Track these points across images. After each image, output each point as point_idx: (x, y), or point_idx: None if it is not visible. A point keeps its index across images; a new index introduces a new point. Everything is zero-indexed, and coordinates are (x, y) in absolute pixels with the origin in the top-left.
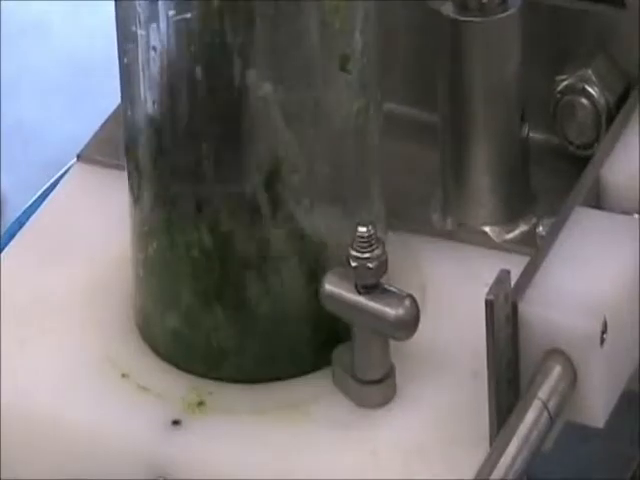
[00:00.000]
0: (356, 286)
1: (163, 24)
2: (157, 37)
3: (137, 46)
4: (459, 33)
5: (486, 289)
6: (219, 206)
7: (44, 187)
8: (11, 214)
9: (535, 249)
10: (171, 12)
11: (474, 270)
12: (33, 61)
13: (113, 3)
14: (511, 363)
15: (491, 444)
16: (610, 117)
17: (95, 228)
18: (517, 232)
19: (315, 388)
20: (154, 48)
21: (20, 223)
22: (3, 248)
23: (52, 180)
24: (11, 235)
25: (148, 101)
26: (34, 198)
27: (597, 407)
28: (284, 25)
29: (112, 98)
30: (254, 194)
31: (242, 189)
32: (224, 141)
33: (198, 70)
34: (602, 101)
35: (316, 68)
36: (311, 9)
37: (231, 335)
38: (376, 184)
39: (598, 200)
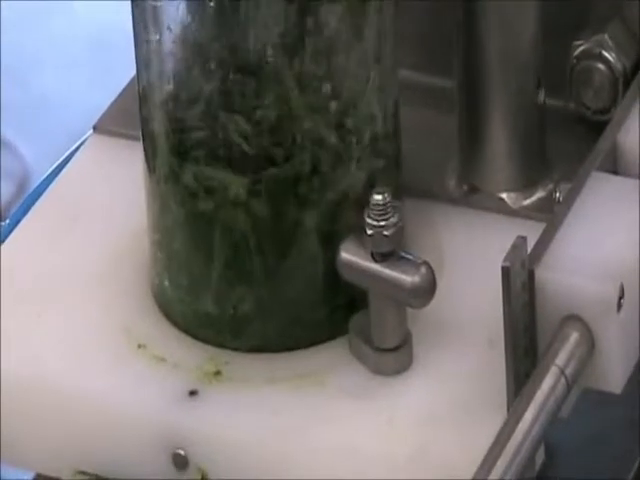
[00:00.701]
0: (372, 254)
1: None
2: (172, 11)
3: (152, 19)
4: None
5: (503, 256)
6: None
7: (60, 159)
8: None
9: (552, 215)
10: None
11: (491, 237)
12: (56, 35)
13: None
14: (528, 330)
15: (508, 411)
16: (627, 82)
17: (111, 199)
18: (534, 198)
19: (332, 357)
20: (169, 23)
21: (38, 193)
22: (21, 219)
23: (68, 152)
24: (28, 207)
25: (163, 73)
26: (51, 169)
27: (615, 373)
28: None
29: (133, 71)
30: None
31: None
32: (240, 113)
33: (214, 44)
34: (618, 66)
35: (332, 39)
36: None
37: (247, 305)
38: (392, 150)
39: (615, 165)
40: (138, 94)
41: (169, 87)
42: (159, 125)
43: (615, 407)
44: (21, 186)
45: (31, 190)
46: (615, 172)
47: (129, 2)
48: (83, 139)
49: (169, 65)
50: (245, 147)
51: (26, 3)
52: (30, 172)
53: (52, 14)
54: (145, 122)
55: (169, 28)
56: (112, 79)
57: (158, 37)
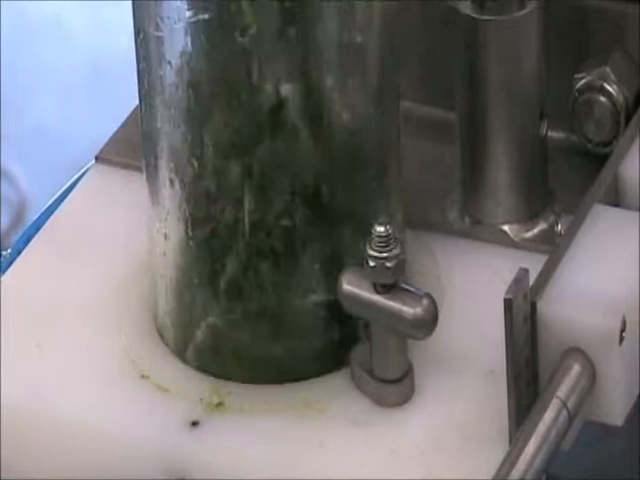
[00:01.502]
0: (374, 285)
1: (180, 25)
2: (174, 39)
3: (154, 48)
4: (477, 31)
5: (505, 288)
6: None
7: (62, 189)
8: (33, 216)
9: (554, 247)
10: (188, 13)
11: (492, 269)
12: (53, 62)
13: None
14: (530, 362)
15: (510, 443)
16: (628, 114)
17: (114, 229)
18: (536, 230)
19: (334, 388)
20: (171, 50)
21: (38, 225)
22: (22, 249)
23: (70, 182)
24: (29, 237)
25: (165, 103)
26: (52, 200)
27: (616, 405)
28: (303, 24)
29: (132, 99)
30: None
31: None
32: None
33: (216, 70)
34: (620, 99)
35: (333, 67)
36: (329, 10)
37: (249, 336)
38: (394, 183)
39: (617, 197)
40: (140, 127)
41: (172, 116)
42: (161, 157)
43: (617, 439)
44: (18, 215)
45: (30, 219)
46: (617, 204)
47: (127, 29)
48: (85, 169)
49: (171, 100)
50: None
51: (22, 31)
52: (27, 201)
53: (49, 42)
54: (147, 153)
55: (169, 63)
56: (110, 107)
57: (158, 64)
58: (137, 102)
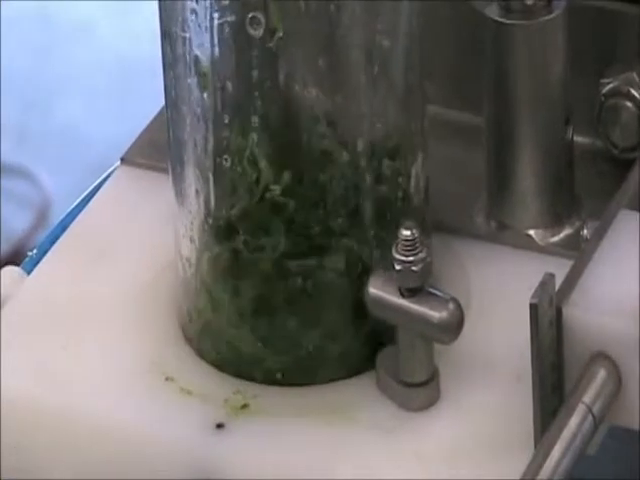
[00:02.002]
0: (400, 289)
1: (206, 27)
2: (200, 40)
3: (181, 49)
4: (504, 36)
5: (530, 292)
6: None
7: (87, 190)
8: (57, 216)
9: (579, 252)
10: (215, 14)
11: (518, 273)
12: (80, 63)
13: (157, 6)
14: (555, 367)
15: (535, 448)
16: None
17: (139, 231)
18: (562, 235)
19: (359, 391)
20: (197, 51)
21: (63, 226)
22: (47, 251)
23: (95, 183)
24: (54, 238)
25: (192, 103)
26: (77, 201)
27: None
28: (330, 28)
29: (158, 100)
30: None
31: None
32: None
33: (242, 72)
34: None
35: (359, 72)
36: (356, 13)
37: (276, 338)
38: (421, 185)
39: None
40: (167, 128)
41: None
42: (188, 163)
43: None
44: (41, 215)
45: (53, 220)
46: None
47: (153, 34)
48: (110, 170)
49: (197, 103)
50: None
51: (49, 32)
52: (50, 202)
53: (75, 43)
54: (174, 159)
55: (196, 67)
56: (135, 110)
57: (185, 64)
58: (162, 104)
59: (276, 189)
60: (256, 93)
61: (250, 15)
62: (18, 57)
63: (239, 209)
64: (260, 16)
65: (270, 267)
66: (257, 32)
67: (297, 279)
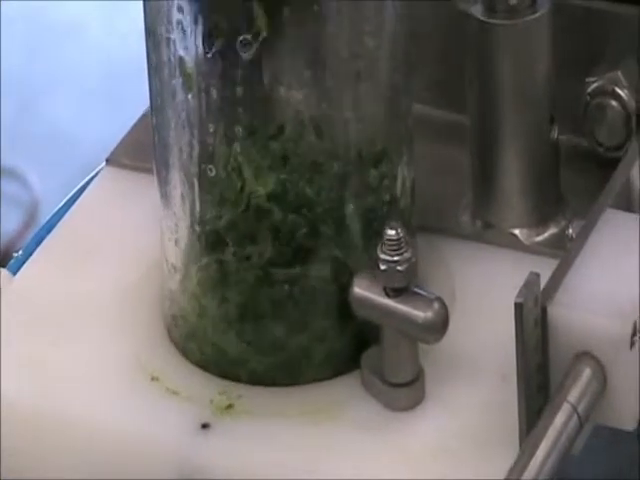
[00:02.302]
0: (385, 289)
1: (191, 31)
2: (184, 42)
3: (165, 50)
4: (488, 35)
5: (515, 292)
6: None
7: (73, 191)
8: (46, 217)
9: (565, 252)
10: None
11: (503, 273)
12: (68, 64)
13: None
14: (541, 366)
15: (520, 447)
16: None
17: (124, 231)
18: (547, 234)
19: (344, 391)
20: (181, 53)
21: (49, 227)
22: (33, 252)
23: (81, 184)
24: (40, 239)
25: (177, 106)
26: (63, 202)
27: (628, 410)
28: (314, 29)
29: (145, 103)
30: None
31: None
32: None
33: (228, 74)
34: (632, 103)
35: (344, 73)
36: (340, 14)
37: (260, 339)
38: (406, 185)
39: (628, 202)
40: (152, 131)
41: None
42: (173, 166)
43: (628, 444)
44: (30, 216)
45: (42, 220)
46: (628, 209)
47: (142, 34)
48: (96, 171)
49: (181, 105)
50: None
51: (39, 33)
52: (39, 202)
53: (63, 44)
54: (159, 157)
55: (180, 68)
56: (123, 110)
57: (169, 65)
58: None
59: (261, 195)
60: (240, 100)
61: (241, 38)
62: (7, 57)
63: (227, 220)
64: (250, 38)
65: (256, 275)
66: (247, 54)
67: (283, 286)
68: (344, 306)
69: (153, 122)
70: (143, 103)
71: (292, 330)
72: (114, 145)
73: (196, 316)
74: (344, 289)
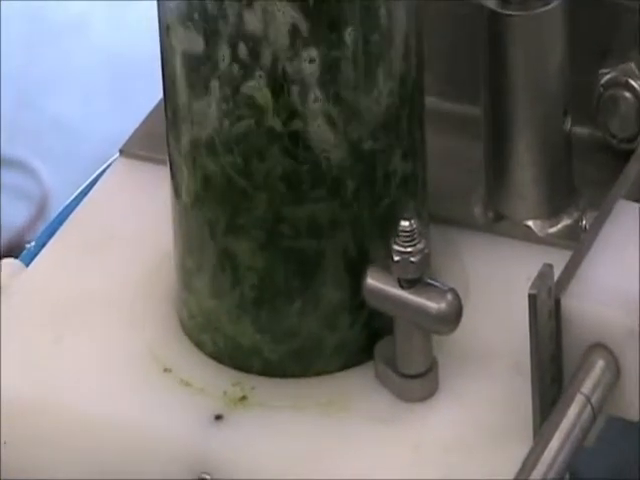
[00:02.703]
0: (399, 280)
1: (201, 20)
2: (198, 34)
3: (177, 43)
4: (501, 26)
5: (529, 283)
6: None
7: (85, 183)
8: (56, 209)
9: (578, 243)
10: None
11: (517, 264)
12: (74, 59)
13: (153, 2)
14: (554, 358)
15: (534, 439)
16: None
17: (138, 223)
18: (560, 226)
19: (357, 383)
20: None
21: (61, 218)
22: (45, 243)
23: (94, 175)
24: (52, 231)
25: (190, 96)
26: (75, 194)
27: None
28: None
29: (152, 95)
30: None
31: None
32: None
33: (236, 67)
34: None
35: (358, 62)
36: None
37: (274, 330)
38: (419, 176)
39: None
40: (166, 118)
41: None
42: (186, 148)
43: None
44: (40, 208)
45: (51, 213)
46: None
47: (146, 28)
48: (109, 162)
49: (195, 87)
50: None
51: (44, 27)
52: (49, 195)
53: (68, 40)
54: (172, 145)
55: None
56: (130, 103)
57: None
58: (159, 98)
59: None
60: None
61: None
62: (14, 52)
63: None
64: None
65: (267, 257)
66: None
67: (294, 266)
68: (357, 295)
69: (166, 110)
70: (149, 96)
71: (304, 315)
72: (120, 137)
73: (209, 304)
74: (357, 270)
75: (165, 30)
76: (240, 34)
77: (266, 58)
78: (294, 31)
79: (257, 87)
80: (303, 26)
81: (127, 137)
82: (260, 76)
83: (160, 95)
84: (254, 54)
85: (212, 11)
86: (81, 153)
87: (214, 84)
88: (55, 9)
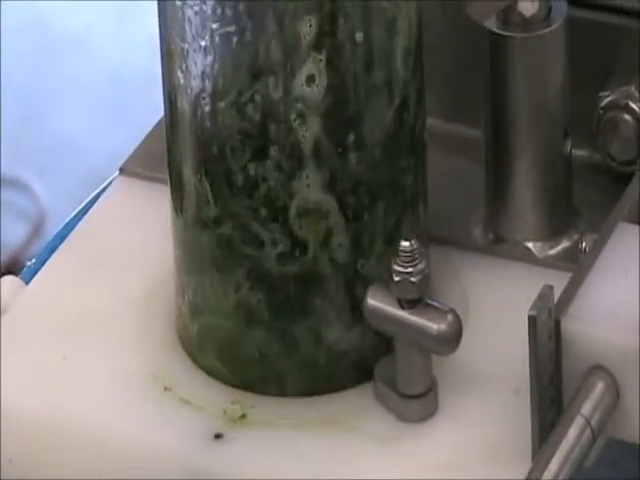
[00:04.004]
0: (399, 300)
1: (207, 38)
2: (201, 52)
3: (181, 61)
4: (502, 48)
5: (529, 305)
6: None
7: (85, 201)
8: (53, 227)
9: (577, 265)
10: (215, 25)
11: (516, 285)
12: (74, 75)
13: (153, 18)
14: (554, 379)
15: (533, 460)
16: None
17: (138, 241)
18: (560, 248)
19: (357, 402)
20: (197, 62)
21: (62, 236)
22: (45, 261)
23: (94, 193)
24: (52, 248)
25: (191, 116)
26: (76, 211)
27: None
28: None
29: (152, 111)
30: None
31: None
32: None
33: (244, 85)
34: None
35: (359, 83)
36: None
37: (273, 349)
38: (420, 198)
39: None
40: (166, 136)
41: (198, 130)
42: (187, 168)
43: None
44: (37, 226)
45: (48, 231)
46: None
47: (147, 45)
48: (109, 181)
49: (197, 108)
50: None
51: (45, 43)
52: (46, 213)
53: (69, 55)
54: (173, 164)
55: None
56: (129, 121)
57: (185, 76)
58: (159, 115)
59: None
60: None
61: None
62: (14, 68)
63: None
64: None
65: (268, 279)
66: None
67: (293, 289)
68: (356, 316)
69: (167, 133)
70: (149, 113)
71: (305, 334)
72: (120, 155)
73: (210, 323)
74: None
75: (166, 54)
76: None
77: None
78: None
79: None
80: None
81: (125, 155)
82: None
83: (161, 113)
84: None
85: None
86: (79, 171)
87: None
88: (57, 25)
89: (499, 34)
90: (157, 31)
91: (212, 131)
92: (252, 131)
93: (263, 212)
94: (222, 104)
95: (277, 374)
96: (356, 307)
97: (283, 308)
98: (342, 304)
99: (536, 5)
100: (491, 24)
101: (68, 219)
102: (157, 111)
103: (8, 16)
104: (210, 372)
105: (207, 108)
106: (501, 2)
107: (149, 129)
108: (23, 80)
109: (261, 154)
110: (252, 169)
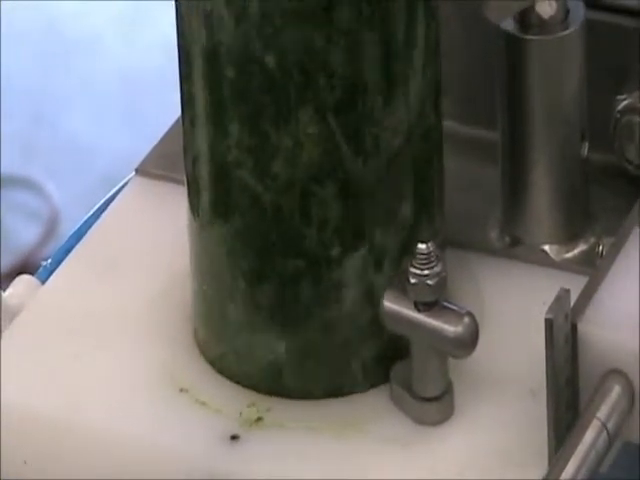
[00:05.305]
0: (415, 303)
1: (226, 36)
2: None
3: (198, 63)
4: (519, 50)
5: (545, 308)
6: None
7: (101, 201)
8: (65, 228)
9: (594, 268)
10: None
11: (533, 289)
12: (86, 76)
13: (165, 20)
14: (570, 382)
15: (549, 464)
16: None
17: (154, 242)
18: (576, 251)
19: (373, 405)
20: (214, 62)
21: (77, 236)
22: (61, 261)
23: (110, 193)
24: (68, 249)
25: (208, 116)
26: (91, 212)
27: None
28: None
29: (164, 113)
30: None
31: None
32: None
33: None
34: None
35: (375, 86)
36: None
37: (290, 352)
38: (436, 201)
39: None
40: (183, 137)
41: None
42: (204, 167)
43: None
44: (50, 227)
45: (61, 231)
46: None
47: (159, 46)
48: (125, 181)
49: (215, 108)
50: None
51: (57, 45)
52: (58, 213)
53: (80, 57)
54: (190, 165)
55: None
56: (141, 123)
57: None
58: (171, 116)
59: None
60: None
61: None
62: (26, 70)
63: None
64: None
65: (282, 279)
66: None
67: (309, 290)
68: (373, 319)
69: (185, 132)
70: (161, 114)
71: (322, 337)
72: (133, 156)
73: (225, 325)
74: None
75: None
76: None
77: None
78: None
79: None
80: None
81: (137, 156)
82: None
83: (173, 115)
84: None
85: None
86: (91, 171)
87: None
88: (69, 27)
89: (516, 36)
90: (169, 32)
91: None
92: None
93: None
94: None
95: (293, 377)
96: (372, 309)
97: (299, 312)
98: (357, 306)
99: (554, 7)
100: (508, 26)
101: (84, 219)
102: (169, 112)
103: (20, 17)
104: (226, 374)
105: None
106: (519, 3)
107: (161, 130)
108: (36, 81)
109: None
110: None
